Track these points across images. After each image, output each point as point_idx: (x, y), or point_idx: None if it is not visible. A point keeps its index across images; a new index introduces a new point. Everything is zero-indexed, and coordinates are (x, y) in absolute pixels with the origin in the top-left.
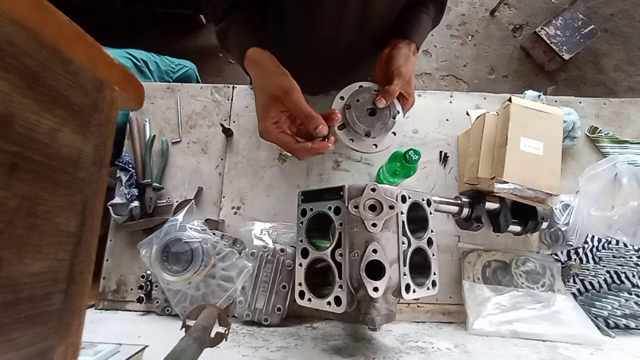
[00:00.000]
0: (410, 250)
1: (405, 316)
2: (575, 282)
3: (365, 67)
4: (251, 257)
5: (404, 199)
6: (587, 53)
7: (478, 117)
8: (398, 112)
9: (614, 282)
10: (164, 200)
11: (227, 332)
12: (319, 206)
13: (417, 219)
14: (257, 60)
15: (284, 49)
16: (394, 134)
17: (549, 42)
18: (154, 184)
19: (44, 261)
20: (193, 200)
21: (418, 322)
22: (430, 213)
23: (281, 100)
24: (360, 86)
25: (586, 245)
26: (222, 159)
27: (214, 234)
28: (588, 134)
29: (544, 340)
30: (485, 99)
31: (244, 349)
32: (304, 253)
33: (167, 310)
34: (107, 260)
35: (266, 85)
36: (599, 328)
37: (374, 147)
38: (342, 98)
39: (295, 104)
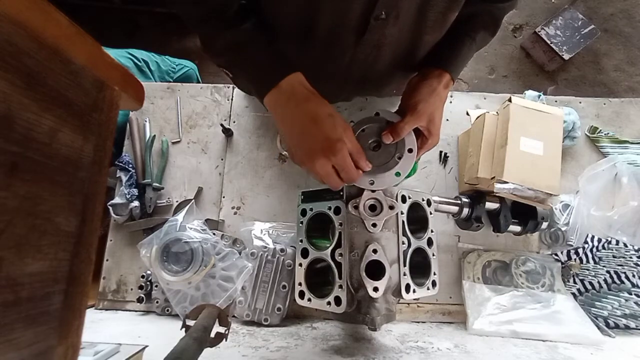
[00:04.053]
0: (410, 250)
1: (405, 316)
2: (575, 282)
3: (399, 84)
4: (251, 257)
5: (404, 199)
6: (587, 53)
7: (478, 117)
8: (410, 151)
9: (614, 282)
10: (164, 200)
11: (227, 332)
12: (319, 206)
13: (417, 219)
14: (312, 89)
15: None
16: (398, 174)
17: (549, 42)
18: (154, 184)
19: (44, 261)
20: (193, 200)
21: (418, 322)
22: (430, 213)
23: (345, 129)
24: (377, 113)
25: (586, 245)
26: (222, 159)
27: (214, 234)
28: (588, 134)
29: (544, 340)
30: (485, 99)
31: (244, 349)
32: (304, 253)
33: (167, 310)
34: (107, 260)
35: (333, 118)
36: (599, 328)
37: (370, 183)
38: (351, 122)
39: (353, 139)
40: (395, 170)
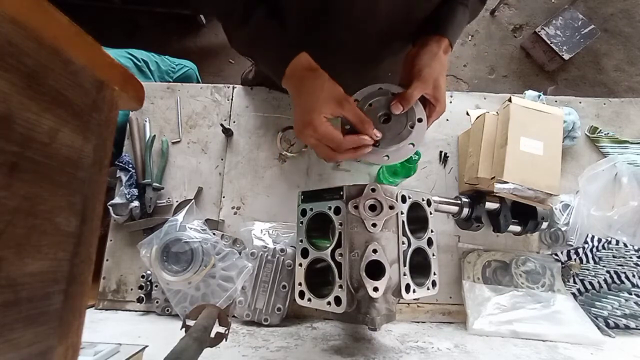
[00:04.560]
0: (410, 250)
1: (405, 316)
2: (575, 282)
3: (395, 65)
4: (251, 257)
5: (404, 199)
6: (587, 53)
7: (478, 117)
8: (420, 120)
9: (614, 282)
10: (164, 200)
11: (227, 332)
12: (319, 206)
13: (417, 219)
14: (312, 66)
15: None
16: (412, 144)
17: (549, 42)
18: (154, 184)
19: (44, 261)
20: (193, 200)
21: (418, 322)
22: (430, 213)
23: (340, 103)
24: (380, 88)
25: (586, 245)
26: (222, 159)
27: (214, 234)
28: (588, 134)
29: (544, 340)
30: (485, 99)
31: (244, 349)
32: (304, 253)
33: (167, 310)
34: (107, 260)
35: (324, 87)
36: (599, 328)
37: (386, 158)
38: (356, 100)
39: (354, 109)
40: (409, 140)
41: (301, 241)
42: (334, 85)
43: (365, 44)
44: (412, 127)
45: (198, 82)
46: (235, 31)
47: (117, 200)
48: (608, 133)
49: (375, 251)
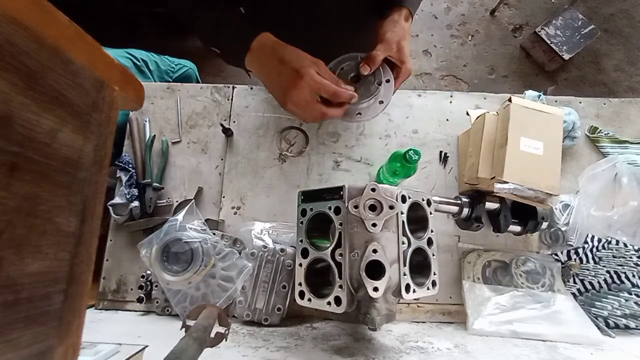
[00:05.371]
0: (410, 250)
1: (405, 316)
2: (575, 282)
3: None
4: (251, 257)
5: (404, 199)
6: (587, 53)
7: (478, 117)
8: (387, 81)
9: (614, 282)
10: (164, 200)
11: (227, 332)
12: (319, 206)
13: (417, 219)
14: (276, 42)
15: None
16: (381, 102)
17: (549, 42)
18: (154, 184)
19: (44, 261)
20: (193, 200)
21: (418, 322)
22: (430, 213)
23: (315, 63)
24: (350, 56)
25: (586, 245)
26: (222, 159)
27: (214, 234)
28: (588, 134)
29: (544, 340)
30: (485, 99)
31: (244, 349)
32: (304, 253)
33: (167, 310)
34: (107, 260)
35: (298, 54)
36: (599, 328)
37: (358, 115)
38: (329, 69)
39: (327, 70)
40: (378, 98)
41: (301, 241)
42: (303, 53)
43: (346, 9)
44: (379, 84)
45: (198, 82)
46: (202, 17)
47: (117, 200)
48: (608, 133)
49: (375, 251)
